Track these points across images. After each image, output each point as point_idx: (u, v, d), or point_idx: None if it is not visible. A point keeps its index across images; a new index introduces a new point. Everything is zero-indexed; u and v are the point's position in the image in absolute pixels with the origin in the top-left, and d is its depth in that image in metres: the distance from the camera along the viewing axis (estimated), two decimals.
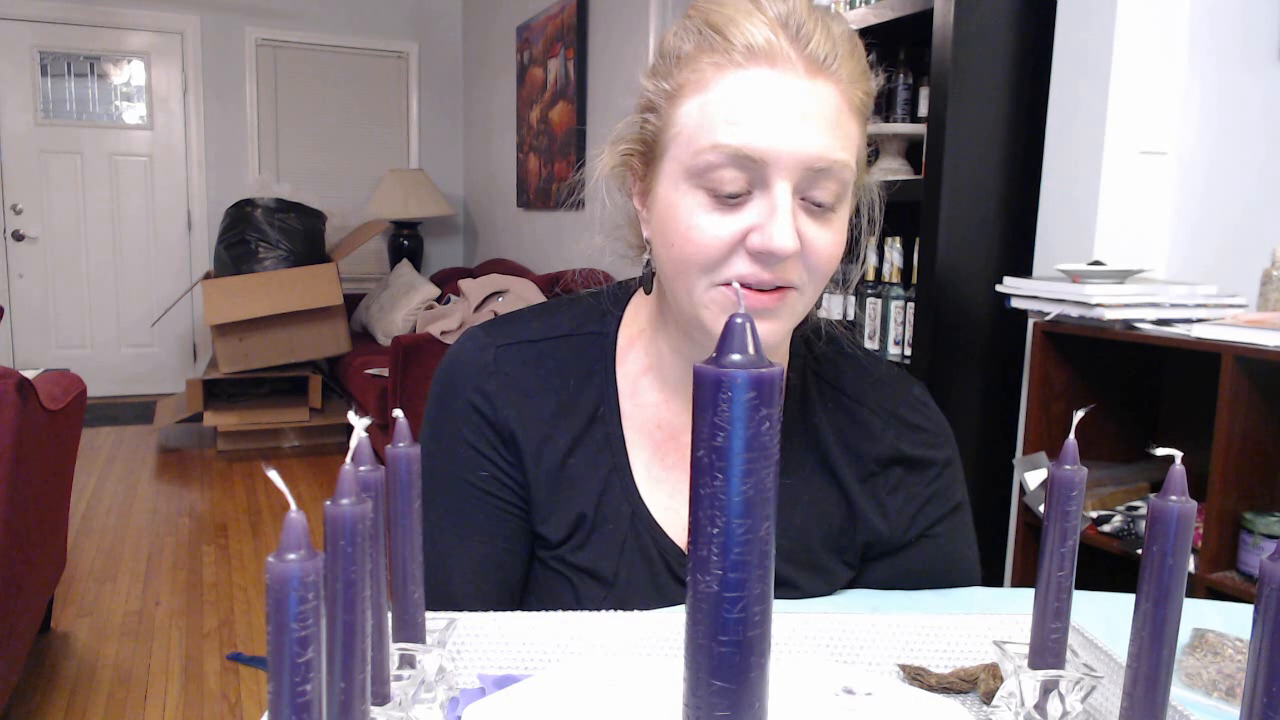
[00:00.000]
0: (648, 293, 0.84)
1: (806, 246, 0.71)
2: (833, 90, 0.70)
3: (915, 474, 0.87)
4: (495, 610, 0.81)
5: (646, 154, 0.77)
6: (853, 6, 2.17)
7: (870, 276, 2.19)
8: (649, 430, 0.84)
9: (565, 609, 0.81)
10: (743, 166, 0.69)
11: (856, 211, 0.82)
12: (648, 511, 0.83)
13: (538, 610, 0.82)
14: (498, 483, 0.83)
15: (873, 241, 0.86)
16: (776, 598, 0.81)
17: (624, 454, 0.83)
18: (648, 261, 0.81)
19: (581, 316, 0.87)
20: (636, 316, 0.86)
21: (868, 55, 0.75)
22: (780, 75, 0.68)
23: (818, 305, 0.87)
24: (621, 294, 0.88)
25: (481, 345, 0.85)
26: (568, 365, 0.85)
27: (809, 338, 0.89)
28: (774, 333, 0.73)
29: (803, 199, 0.70)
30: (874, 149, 0.83)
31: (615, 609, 0.80)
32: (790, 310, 0.74)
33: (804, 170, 0.69)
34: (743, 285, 0.71)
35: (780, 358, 0.85)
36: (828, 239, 0.72)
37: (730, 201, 0.70)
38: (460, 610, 0.80)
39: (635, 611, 0.67)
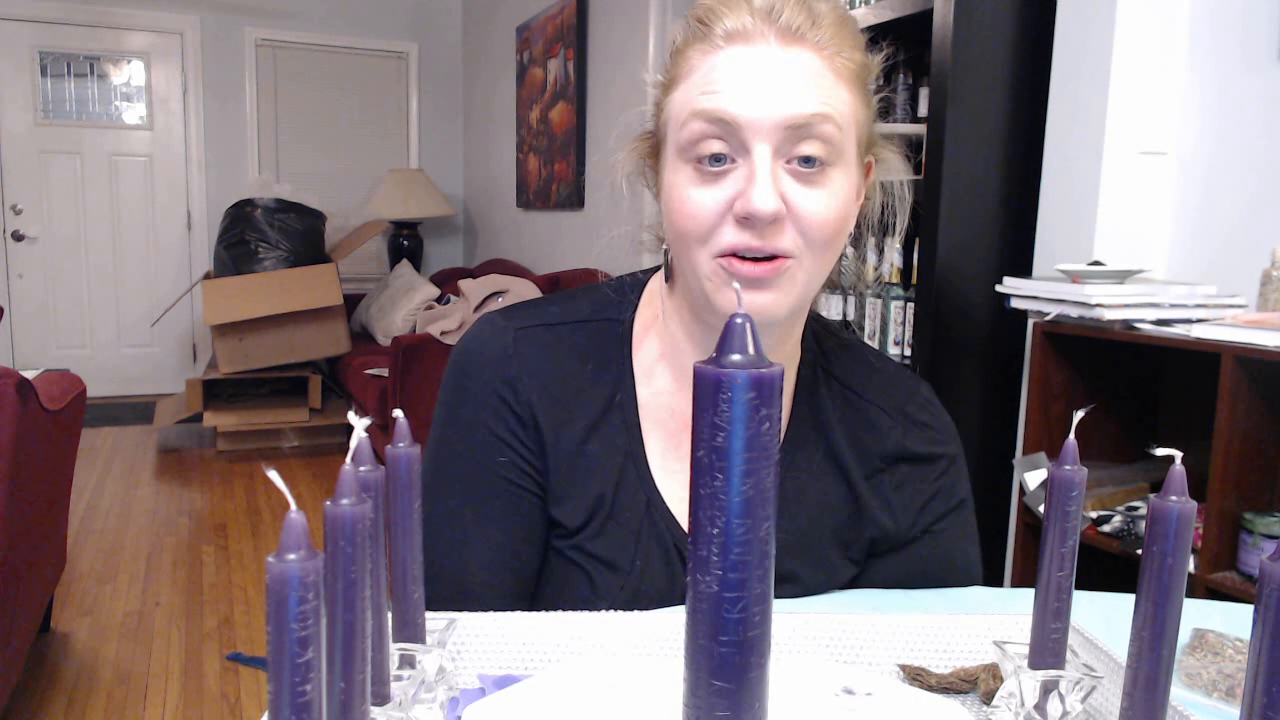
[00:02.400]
0: (668, 278, 0.85)
1: (795, 210, 0.71)
2: (811, 55, 0.72)
3: (920, 470, 0.87)
4: (512, 599, 0.82)
5: (655, 146, 0.80)
6: (853, 6, 2.17)
7: (870, 276, 2.20)
8: (662, 419, 0.85)
9: (581, 599, 0.81)
10: (722, 133, 0.71)
11: (881, 212, 0.82)
12: (662, 501, 0.83)
13: (554, 601, 0.83)
14: (517, 469, 0.83)
15: (891, 241, 0.86)
16: (779, 593, 0.81)
17: (639, 442, 0.84)
18: (666, 250, 0.81)
19: (598, 303, 0.87)
20: (651, 304, 0.87)
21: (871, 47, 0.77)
22: (754, 49, 0.72)
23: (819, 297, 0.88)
24: (637, 282, 0.89)
25: (500, 328, 0.85)
26: (585, 350, 0.85)
27: (820, 334, 0.89)
28: (773, 304, 0.73)
29: (788, 162, 0.71)
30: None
31: (631, 599, 0.80)
32: (789, 281, 0.73)
33: (782, 130, 0.70)
34: (736, 256, 0.72)
35: (791, 352, 0.85)
36: (818, 201, 0.72)
37: (715, 171, 0.72)
38: (477, 598, 0.81)
39: (635, 611, 0.67)
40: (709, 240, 0.73)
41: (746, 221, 0.70)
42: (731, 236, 0.71)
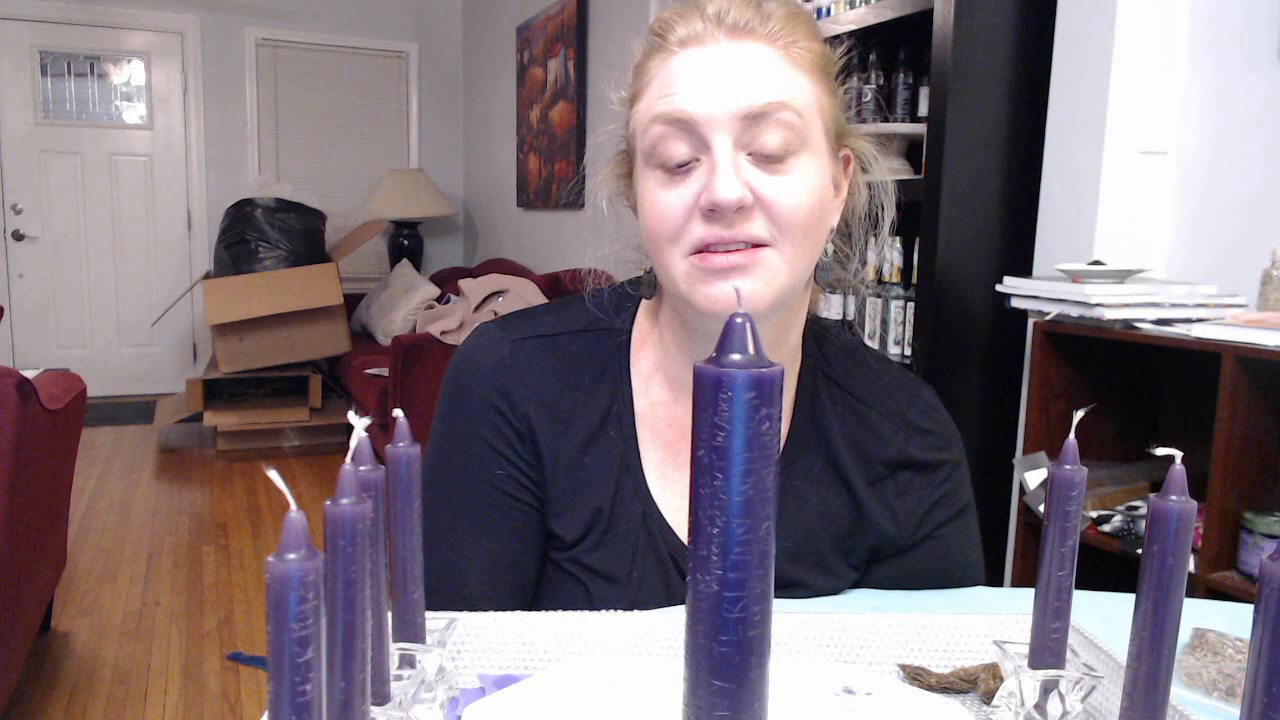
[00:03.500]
0: (648, 297, 0.85)
1: (763, 199, 0.71)
2: (764, 46, 0.73)
3: (924, 476, 0.87)
4: (509, 611, 0.82)
5: (630, 164, 0.80)
6: (853, 6, 2.17)
7: (870, 276, 2.19)
8: (660, 429, 0.84)
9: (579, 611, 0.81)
10: (682, 134, 0.72)
11: (867, 210, 0.82)
12: (659, 512, 0.83)
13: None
14: (515, 481, 0.82)
15: (874, 241, 0.86)
16: (788, 597, 0.81)
17: (636, 454, 0.83)
18: (649, 270, 0.81)
19: (596, 313, 0.87)
20: (648, 313, 0.87)
21: (868, 55, 0.76)
22: (704, 50, 0.73)
23: (814, 295, 0.87)
24: (635, 292, 0.88)
25: (497, 339, 0.84)
26: (583, 361, 0.84)
27: (820, 338, 0.89)
28: (752, 293, 0.72)
29: (751, 154, 0.72)
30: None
31: (628, 611, 0.80)
32: (767, 269, 0.72)
33: (738, 121, 0.71)
34: (708, 250, 0.72)
35: (790, 355, 0.85)
36: (785, 188, 0.72)
37: (680, 172, 0.73)
38: (474, 610, 0.81)
39: (635, 611, 0.67)
40: (680, 239, 0.73)
41: (713, 213, 0.71)
42: (701, 231, 0.72)
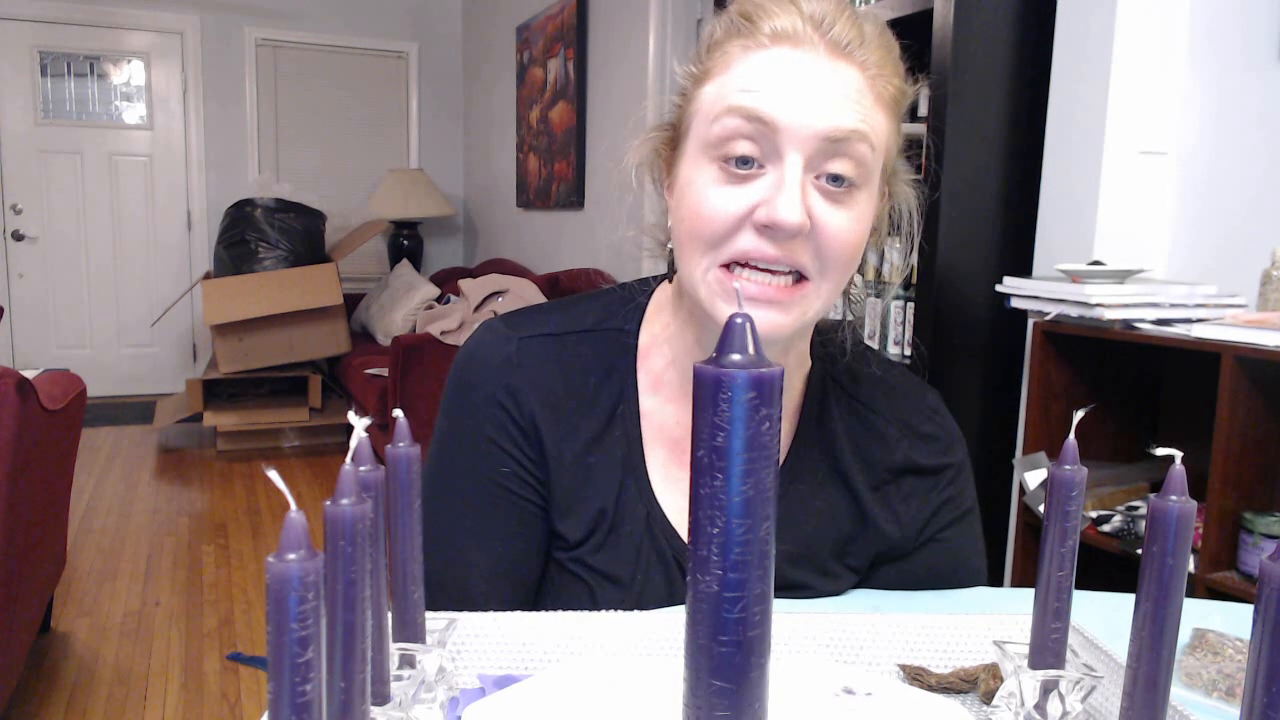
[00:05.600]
0: (671, 281, 0.83)
1: (819, 228, 0.69)
2: (855, 73, 0.70)
3: (928, 481, 0.87)
4: (513, 610, 0.82)
5: (674, 138, 0.78)
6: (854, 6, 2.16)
7: (870, 276, 2.19)
8: (667, 430, 0.84)
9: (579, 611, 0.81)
10: (755, 134, 0.69)
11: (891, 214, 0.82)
12: (662, 514, 0.82)
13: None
14: (519, 480, 0.82)
15: (897, 243, 0.85)
16: (791, 599, 0.80)
17: (640, 455, 0.82)
18: (671, 250, 0.80)
19: (603, 312, 0.86)
20: (659, 314, 0.85)
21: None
22: (801, 54, 0.69)
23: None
24: (643, 290, 0.87)
25: (503, 337, 0.83)
26: (589, 361, 0.83)
27: (827, 344, 0.88)
28: (779, 326, 0.71)
29: (818, 178, 0.69)
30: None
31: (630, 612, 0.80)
32: (800, 306, 0.71)
33: (818, 141, 0.68)
34: (747, 263, 0.70)
35: (797, 362, 0.84)
36: (842, 222, 0.70)
37: (741, 174, 0.70)
38: (477, 609, 0.81)
39: (635, 611, 0.67)
40: (719, 247, 0.71)
41: (767, 231, 0.68)
42: (748, 242, 0.69)
